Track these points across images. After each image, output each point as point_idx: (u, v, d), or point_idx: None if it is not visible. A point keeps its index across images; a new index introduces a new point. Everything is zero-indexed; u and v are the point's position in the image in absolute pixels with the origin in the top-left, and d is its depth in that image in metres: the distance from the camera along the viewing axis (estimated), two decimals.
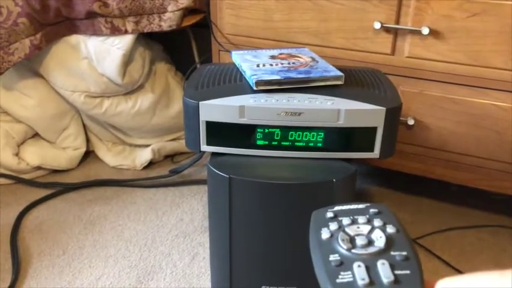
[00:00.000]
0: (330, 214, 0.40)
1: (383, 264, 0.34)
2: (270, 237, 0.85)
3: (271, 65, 0.88)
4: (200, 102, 0.80)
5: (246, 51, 0.97)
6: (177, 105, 1.49)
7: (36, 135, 1.48)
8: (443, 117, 1.12)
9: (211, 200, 0.86)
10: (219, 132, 0.82)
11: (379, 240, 0.36)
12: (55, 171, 1.47)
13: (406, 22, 1.07)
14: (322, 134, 0.81)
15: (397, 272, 0.33)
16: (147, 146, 1.52)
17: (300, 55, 0.95)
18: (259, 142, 0.83)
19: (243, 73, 0.89)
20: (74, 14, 1.30)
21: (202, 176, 1.45)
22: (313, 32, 1.17)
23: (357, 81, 0.89)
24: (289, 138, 0.82)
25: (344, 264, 0.34)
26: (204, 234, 1.20)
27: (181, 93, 1.50)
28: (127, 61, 1.36)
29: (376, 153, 0.83)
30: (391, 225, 0.38)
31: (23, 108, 1.40)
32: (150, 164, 1.52)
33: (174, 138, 1.55)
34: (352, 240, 0.36)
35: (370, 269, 0.33)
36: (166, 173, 1.46)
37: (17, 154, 1.41)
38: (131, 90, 1.43)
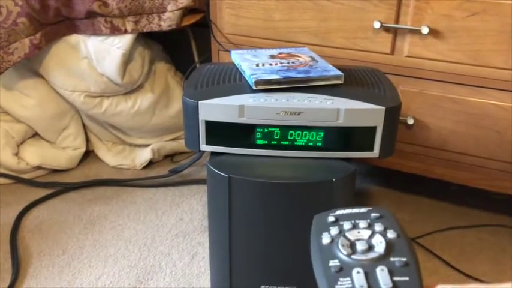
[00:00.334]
0: (331, 218, 0.40)
1: (382, 270, 0.34)
2: (269, 236, 0.85)
3: (270, 64, 0.88)
4: (200, 102, 0.80)
5: (245, 51, 0.97)
6: (176, 105, 1.49)
7: (36, 135, 1.48)
8: (443, 117, 1.12)
9: (211, 200, 0.86)
10: (219, 131, 0.82)
11: (379, 245, 0.36)
12: (55, 171, 1.47)
13: (405, 21, 1.07)
14: (322, 133, 0.81)
15: (396, 278, 0.33)
16: (147, 145, 1.52)
17: (299, 54, 0.95)
18: (259, 142, 0.83)
19: (242, 73, 0.89)
20: (73, 13, 1.30)
21: (202, 176, 1.45)
22: (313, 32, 1.17)
23: (356, 81, 0.89)
24: (289, 138, 0.82)
25: (343, 270, 0.34)
26: (204, 233, 1.20)
27: (181, 93, 1.50)
28: (127, 61, 1.36)
29: (375, 152, 0.83)
30: (392, 230, 0.38)
31: (23, 108, 1.40)
32: (150, 164, 1.52)
33: (173, 138, 1.55)
34: (352, 245, 0.36)
35: (369, 275, 0.33)
36: (166, 173, 1.46)
37: (16, 154, 1.41)
38: (131, 90, 1.43)
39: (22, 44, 1.26)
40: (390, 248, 0.36)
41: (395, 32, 1.09)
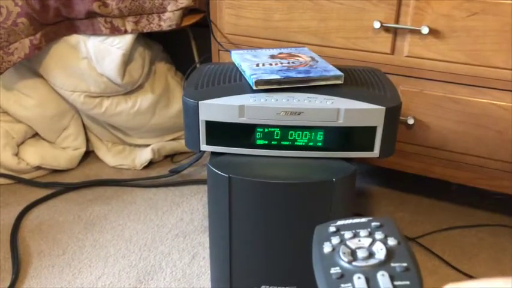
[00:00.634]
0: (332, 228, 0.40)
1: (383, 275, 0.34)
2: (270, 236, 0.85)
3: (270, 64, 0.88)
4: (200, 102, 0.80)
5: (245, 51, 0.97)
6: (176, 105, 1.49)
7: (36, 135, 1.48)
8: (443, 117, 1.12)
9: (211, 200, 0.86)
10: (219, 131, 0.82)
11: (380, 252, 0.36)
12: (55, 171, 1.47)
13: (405, 21, 1.07)
14: (322, 133, 0.81)
15: (397, 283, 0.33)
16: (147, 145, 1.52)
17: (299, 54, 0.95)
18: (259, 142, 0.83)
19: (242, 73, 0.89)
20: (73, 13, 1.30)
21: (202, 176, 1.45)
22: (313, 32, 1.17)
23: (356, 81, 0.89)
24: (289, 138, 0.82)
25: (344, 276, 0.35)
26: (204, 233, 1.20)
27: (181, 93, 1.50)
28: (127, 61, 1.36)
29: (375, 152, 0.83)
30: (392, 238, 0.38)
31: (23, 108, 1.40)
32: (150, 164, 1.52)
33: (174, 138, 1.55)
34: (353, 253, 0.37)
35: (370, 281, 0.34)
36: (166, 173, 1.46)
37: (16, 154, 1.41)
38: (131, 90, 1.43)
39: (22, 44, 1.26)
40: (391, 254, 0.36)
41: (395, 32, 1.09)
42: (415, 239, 1.18)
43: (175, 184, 1.42)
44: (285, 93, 0.81)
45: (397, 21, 1.08)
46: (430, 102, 1.12)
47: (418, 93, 1.12)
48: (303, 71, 0.85)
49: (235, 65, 0.94)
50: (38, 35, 1.28)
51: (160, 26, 1.34)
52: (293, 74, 0.83)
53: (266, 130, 0.81)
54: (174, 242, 1.18)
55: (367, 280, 0.34)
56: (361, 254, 0.36)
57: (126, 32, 1.33)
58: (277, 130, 0.81)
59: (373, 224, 0.40)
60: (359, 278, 0.34)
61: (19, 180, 1.41)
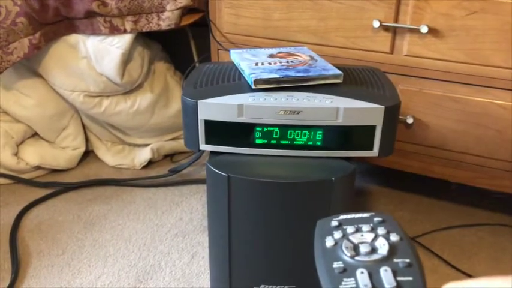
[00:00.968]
0: (334, 223, 0.40)
1: (386, 270, 0.34)
2: (269, 235, 0.85)
3: (269, 63, 0.88)
4: (199, 101, 0.80)
5: (244, 50, 0.97)
6: (176, 105, 1.49)
7: (35, 134, 1.48)
8: (442, 116, 1.12)
9: (210, 199, 0.86)
10: (218, 131, 0.82)
11: (383, 247, 0.36)
12: (54, 171, 1.47)
13: (405, 20, 1.07)
14: (321, 132, 0.81)
15: (400, 278, 0.33)
16: (147, 145, 1.52)
17: (298, 54, 0.95)
18: (258, 141, 0.82)
19: (241, 72, 0.89)
20: (72, 13, 1.30)
21: (202, 176, 1.45)
22: (313, 31, 1.17)
23: (355, 80, 0.89)
24: (288, 137, 0.82)
25: (347, 271, 0.35)
26: (204, 233, 1.20)
27: (180, 93, 1.50)
28: (126, 60, 1.36)
29: (375, 151, 0.83)
30: (394, 234, 0.38)
31: (22, 107, 1.40)
32: (150, 164, 1.52)
33: (173, 138, 1.55)
34: (355, 247, 0.37)
35: (373, 276, 0.34)
36: (165, 173, 1.46)
37: (16, 154, 1.41)
38: (130, 90, 1.43)
39: (21, 43, 1.26)
40: (393, 250, 0.36)
41: (394, 31, 1.09)
42: (414, 238, 1.18)
43: (174, 184, 1.42)
44: (284, 93, 0.81)
45: (396, 21, 1.08)
46: (430, 102, 1.12)
47: (418, 92, 1.12)
48: (302, 70, 0.85)
49: (234, 64, 0.94)
50: (37, 35, 1.27)
51: (159, 25, 1.34)
52: (292, 73, 0.83)
53: (265, 129, 0.81)
54: (174, 242, 1.18)
55: (370, 275, 0.34)
56: (363, 249, 0.36)
57: (125, 31, 1.33)
58: (276, 129, 0.81)
59: (376, 219, 0.40)
60: (362, 272, 0.34)
61: (18, 180, 1.41)
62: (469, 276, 1.06)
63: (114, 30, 1.32)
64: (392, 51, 1.11)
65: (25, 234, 1.20)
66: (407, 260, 0.35)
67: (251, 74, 0.82)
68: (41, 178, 1.44)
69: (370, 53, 1.13)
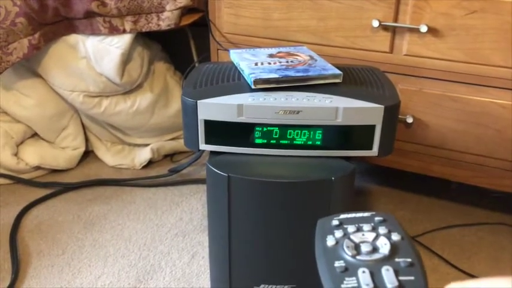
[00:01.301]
0: (335, 222, 0.40)
1: (387, 270, 0.34)
2: (269, 235, 0.85)
3: (269, 63, 0.88)
4: (198, 101, 0.80)
5: (244, 50, 0.97)
6: (176, 105, 1.49)
7: (35, 135, 1.48)
8: (442, 115, 1.12)
9: (210, 199, 0.86)
10: (218, 130, 0.82)
11: (384, 247, 0.36)
12: (54, 171, 1.47)
13: (404, 20, 1.07)
14: (321, 132, 0.81)
15: (402, 278, 0.33)
16: (146, 145, 1.52)
17: (298, 53, 0.95)
18: (258, 141, 0.82)
19: (241, 72, 0.89)
20: (72, 13, 1.30)
21: (202, 175, 1.45)
22: (312, 31, 1.17)
23: (355, 80, 0.89)
24: (288, 137, 0.82)
25: (349, 270, 0.35)
26: (204, 233, 1.20)
27: (180, 93, 1.50)
28: (125, 60, 1.36)
29: (374, 151, 0.83)
30: (396, 233, 0.38)
31: (22, 108, 1.40)
32: (150, 164, 1.52)
33: (173, 138, 1.55)
34: (357, 247, 0.37)
35: (375, 275, 0.34)
36: (165, 172, 1.46)
37: (16, 154, 1.41)
38: (130, 90, 1.43)
39: (21, 44, 1.26)
40: (395, 249, 0.36)
41: (394, 31, 1.09)
42: (414, 238, 1.18)
43: (174, 184, 1.42)
44: (283, 92, 0.81)
45: (395, 20, 1.08)
46: (429, 101, 1.12)
47: (417, 91, 1.12)
48: (301, 70, 0.85)
49: (234, 64, 0.94)
50: (36, 35, 1.27)
51: (159, 25, 1.34)
52: (292, 73, 0.83)
53: (265, 129, 0.81)
54: (174, 242, 1.18)
55: (372, 274, 0.34)
56: (365, 248, 0.36)
57: (124, 31, 1.33)
58: (276, 129, 0.81)
59: (376, 218, 0.40)
60: (363, 272, 0.34)
61: (18, 180, 1.41)
62: (469, 275, 1.07)
63: (113, 30, 1.32)
64: (391, 51, 1.11)
65: (25, 234, 1.20)
66: (409, 260, 0.35)
67: (251, 73, 0.82)
68: (41, 178, 1.44)
69: (370, 53, 1.13)
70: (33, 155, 1.42)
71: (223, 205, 0.83)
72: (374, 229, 0.39)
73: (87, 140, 1.54)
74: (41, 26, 1.29)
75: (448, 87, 1.09)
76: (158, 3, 1.32)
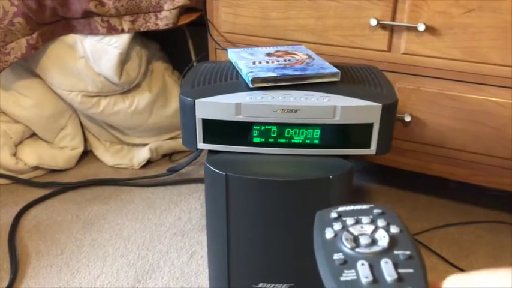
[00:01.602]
0: (334, 214, 0.40)
1: (386, 262, 0.34)
2: (267, 234, 0.85)
3: (267, 62, 0.88)
4: (196, 100, 0.80)
5: (242, 49, 0.97)
6: (174, 104, 1.49)
7: (33, 135, 1.48)
8: (440, 114, 1.12)
9: (209, 198, 0.86)
10: (216, 129, 0.82)
11: (383, 239, 0.36)
12: (53, 171, 1.47)
13: (402, 19, 1.07)
14: (319, 130, 0.81)
15: (401, 270, 0.33)
16: (145, 145, 1.52)
17: (296, 52, 0.95)
18: (256, 139, 0.83)
19: (239, 71, 0.89)
20: (70, 13, 1.30)
21: (200, 175, 1.45)
22: (310, 30, 1.17)
23: (353, 78, 0.89)
24: (286, 135, 0.82)
25: (348, 262, 0.34)
26: (202, 232, 1.20)
27: (178, 92, 1.49)
28: (124, 60, 1.36)
29: (372, 149, 0.83)
30: (394, 226, 0.38)
31: (20, 108, 1.40)
32: (148, 163, 1.52)
33: (171, 137, 1.55)
34: (355, 239, 0.36)
35: (374, 268, 0.34)
36: (164, 172, 1.46)
37: (14, 154, 1.41)
38: (128, 90, 1.43)
39: (19, 44, 1.26)
40: (394, 242, 0.36)
41: (391, 29, 1.10)
42: (413, 236, 1.18)
43: (173, 183, 1.42)
44: (281, 91, 0.81)
45: (393, 19, 1.08)
46: (427, 99, 1.12)
47: (415, 90, 1.12)
48: (299, 68, 0.85)
49: (231, 63, 0.94)
50: (34, 35, 1.27)
51: (157, 25, 1.34)
52: (289, 72, 0.83)
53: (263, 128, 0.81)
54: (172, 241, 1.18)
55: (371, 267, 0.34)
56: (363, 240, 0.36)
57: (122, 31, 1.33)
58: (274, 128, 0.81)
59: (375, 211, 0.40)
60: (363, 264, 0.34)
61: (17, 180, 1.41)
62: None
63: (111, 30, 1.32)
64: (389, 50, 1.12)
65: (24, 234, 1.20)
66: (408, 252, 0.35)
67: (249, 72, 0.82)
68: (40, 178, 1.44)
69: (368, 52, 1.13)
70: (31, 155, 1.42)
71: (222, 204, 0.83)
72: (373, 221, 0.38)
73: (85, 139, 1.54)
74: (39, 25, 1.29)
75: (445, 86, 1.09)
76: (156, 3, 1.32)
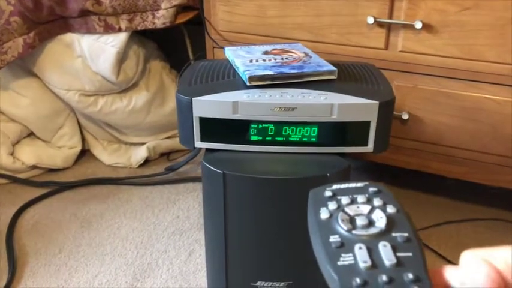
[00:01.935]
0: (328, 193, 0.38)
1: (385, 246, 0.33)
2: (265, 232, 0.85)
3: (264, 60, 0.88)
4: (193, 98, 0.80)
5: (239, 47, 0.97)
6: (171, 103, 1.49)
7: (31, 134, 1.47)
8: (437, 111, 1.12)
9: (206, 196, 0.86)
10: (213, 128, 0.82)
11: (380, 220, 0.35)
12: (51, 170, 1.47)
13: (399, 16, 1.07)
14: (316, 128, 0.81)
15: (399, 254, 0.32)
16: (143, 144, 1.52)
17: (293, 50, 0.95)
18: (253, 138, 0.83)
19: (236, 69, 0.89)
20: (67, 12, 1.30)
21: (198, 174, 1.45)
22: (307, 28, 1.17)
23: (350, 76, 0.89)
24: (283, 134, 0.82)
25: (345, 245, 0.33)
26: (200, 231, 1.20)
27: (175, 91, 1.49)
28: (121, 59, 1.36)
29: (369, 147, 0.83)
30: (391, 205, 0.37)
31: (18, 107, 1.39)
32: (146, 162, 1.52)
33: (169, 136, 1.55)
34: (352, 220, 0.35)
35: (372, 251, 0.32)
36: (162, 171, 1.46)
37: (12, 153, 1.40)
38: (126, 89, 1.43)
39: (15, 43, 1.26)
40: (391, 223, 0.35)
41: (389, 27, 1.10)
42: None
43: (171, 182, 1.42)
44: (278, 89, 0.81)
45: (390, 16, 1.08)
46: (425, 97, 1.12)
47: (413, 88, 1.12)
48: (296, 66, 0.85)
49: (229, 61, 0.94)
50: (31, 34, 1.27)
51: (154, 23, 1.34)
52: (286, 70, 0.83)
53: (260, 126, 0.81)
54: (171, 240, 1.18)
55: (369, 250, 0.32)
56: (360, 221, 0.34)
57: (120, 30, 1.33)
58: (271, 126, 0.81)
59: (371, 189, 0.38)
60: (360, 248, 0.32)
61: (15, 180, 1.41)
62: None
63: (108, 29, 1.32)
64: (387, 47, 1.12)
65: (22, 233, 1.20)
66: (406, 235, 0.34)
67: (245, 70, 0.82)
68: (37, 178, 1.44)
69: (365, 49, 1.13)
70: (29, 155, 1.42)
71: (219, 202, 0.83)
72: (369, 201, 0.37)
73: (83, 139, 1.54)
74: (36, 25, 1.28)
75: (443, 83, 1.09)
76: (153, 2, 1.31)
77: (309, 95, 0.80)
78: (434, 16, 1.04)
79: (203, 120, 0.82)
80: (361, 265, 0.31)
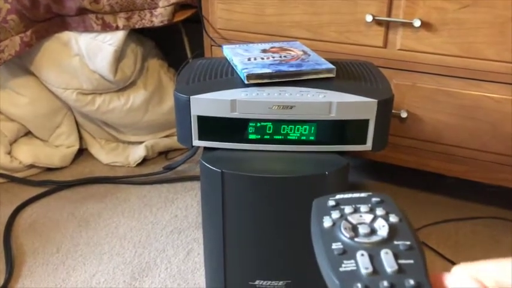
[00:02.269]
0: (331, 202, 0.39)
1: (386, 253, 0.33)
2: (263, 230, 0.85)
3: (262, 58, 0.88)
4: (191, 97, 0.80)
5: (237, 45, 0.97)
6: (169, 102, 1.48)
7: (28, 133, 1.47)
8: (436, 110, 1.12)
9: (204, 195, 0.86)
10: (211, 126, 0.82)
11: (382, 229, 0.35)
12: (48, 169, 1.46)
13: (397, 14, 1.07)
14: (314, 127, 0.81)
15: (401, 261, 0.33)
16: (141, 143, 1.52)
17: (291, 48, 0.95)
18: (252, 136, 0.82)
19: (234, 67, 0.88)
20: (64, 10, 1.29)
21: (196, 172, 1.44)
22: (306, 26, 1.17)
23: (348, 74, 0.89)
24: (282, 132, 0.82)
25: (347, 252, 0.34)
26: (199, 230, 1.20)
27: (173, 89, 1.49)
28: (119, 57, 1.35)
29: (368, 145, 0.83)
30: (393, 215, 0.37)
31: (15, 106, 1.39)
32: (144, 161, 1.51)
33: (167, 135, 1.55)
34: (354, 228, 0.36)
35: (374, 258, 0.33)
36: (160, 170, 1.45)
37: (9, 153, 1.40)
38: (123, 87, 1.42)
39: (12, 41, 1.25)
40: (393, 231, 0.35)
41: (387, 25, 1.09)
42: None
43: (169, 181, 1.41)
44: (276, 87, 0.80)
45: (389, 15, 1.08)
46: (423, 95, 1.12)
47: (411, 86, 1.12)
48: (294, 64, 0.84)
49: (227, 59, 0.94)
50: (28, 32, 1.27)
51: (152, 21, 1.33)
52: (285, 68, 0.82)
53: (258, 124, 0.81)
54: (169, 239, 1.17)
55: (371, 257, 0.33)
56: (362, 230, 0.35)
57: (117, 28, 1.32)
58: (269, 124, 0.81)
59: (374, 199, 0.39)
60: (362, 255, 0.33)
61: (12, 179, 1.40)
62: None
63: (106, 27, 1.31)
64: (385, 46, 1.11)
65: (19, 233, 1.20)
66: (408, 243, 0.34)
67: (244, 69, 0.82)
68: (35, 177, 1.43)
69: (363, 48, 1.13)
70: (27, 154, 1.41)
71: (217, 201, 0.82)
72: (371, 210, 0.38)
73: (81, 138, 1.54)
74: (32, 23, 1.28)
75: (441, 82, 1.09)
76: (151, 0, 1.31)
77: (308, 93, 0.79)
78: (433, 14, 1.03)
79: (201, 119, 0.81)
80: (363, 271, 0.32)
